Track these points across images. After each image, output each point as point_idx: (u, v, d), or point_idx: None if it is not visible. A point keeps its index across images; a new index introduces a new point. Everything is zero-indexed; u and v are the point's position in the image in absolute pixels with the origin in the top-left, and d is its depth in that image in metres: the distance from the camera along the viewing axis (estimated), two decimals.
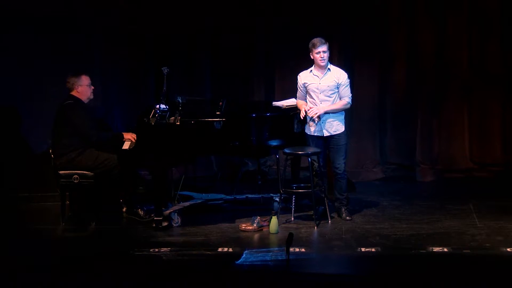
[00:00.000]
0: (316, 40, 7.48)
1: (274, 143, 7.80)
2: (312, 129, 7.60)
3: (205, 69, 9.62)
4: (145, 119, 7.57)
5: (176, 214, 7.51)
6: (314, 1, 9.41)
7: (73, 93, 7.71)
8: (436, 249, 6.64)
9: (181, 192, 7.92)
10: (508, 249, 6.59)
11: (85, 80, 7.73)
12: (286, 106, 8.02)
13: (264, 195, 8.11)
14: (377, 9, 9.49)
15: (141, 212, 7.78)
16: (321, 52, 7.46)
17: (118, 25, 9.02)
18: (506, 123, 9.47)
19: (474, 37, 9.44)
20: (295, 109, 7.83)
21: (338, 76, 7.56)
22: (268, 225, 7.29)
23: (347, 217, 7.65)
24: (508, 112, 9.45)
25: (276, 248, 6.73)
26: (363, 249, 6.70)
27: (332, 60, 7.81)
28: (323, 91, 7.55)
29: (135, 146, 7.51)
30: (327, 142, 7.61)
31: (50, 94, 8.41)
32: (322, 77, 7.56)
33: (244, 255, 6.51)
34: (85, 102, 7.75)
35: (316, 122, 7.54)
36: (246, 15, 9.46)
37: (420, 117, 9.55)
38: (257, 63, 9.69)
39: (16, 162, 8.64)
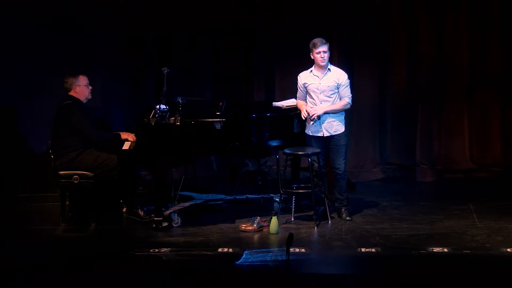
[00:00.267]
0: (316, 40, 7.48)
1: (274, 143, 7.81)
2: (312, 129, 7.60)
3: (205, 69, 9.63)
4: (145, 119, 7.57)
5: (176, 214, 7.51)
6: (314, 1, 9.41)
7: (71, 93, 7.72)
8: (436, 249, 6.64)
9: (181, 193, 7.92)
10: (508, 249, 6.58)
11: (82, 80, 7.74)
12: (286, 106, 8.03)
13: (264, 196, 8.11)
14: (377, 9, 9.50)
15: (141, 213, 7.77)
16: (321, 52, 7.46)
17: (118, 25, 9.02)
18: (506, 123, 9.47)
19: (474, 37, 9.45)
20: (295, 110, 7.83)
21: (338, 76, 7.56)
22: (268, 226, 7.29)
23: (347, 218, 7.65)
24: (508, 112, 9.46)
25: (276, 249, 6.72)
26: (363, 249, 6.70)
27: (332, 60, 7.81)
28: (323, 91, 7.55)
29: (135, 146, 7.51)
30: (327, 142, 7.61)
31: (50, 94, 8.40)
32: (322, 77, 7.56)
33: (244, 256, 6.51)
34: (84, 102, 7.75)
35: (316, 122, 7.54)
36: (246, 15, 9.47)
37: (420, 117, 9.56)
38: (257, 63, 9.70)
39: (16, 162, 8.64)
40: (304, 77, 7.63)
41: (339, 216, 7.71)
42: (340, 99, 7.57)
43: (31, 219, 7.95)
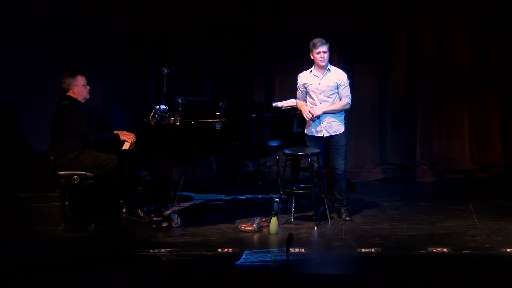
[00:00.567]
0: (316, 40, 7.48)
1: (274, 143, 7.81)
2: (312, 129, 7.60)
3: (205, 69, 9.63)
4: (145, 119, 7.57)
5: (176, 214, 7.50)
6: (314, 1, 9.41)
7: (70, 93, 7.71)
8: (436, 249, 6.64)
9: (181, 193, 7.91)
10: (508, 249, 6.58)
11: (80, 80, 7.73)
12: (286, 106, 8.03)
13: (264, 196, 8.10)
14: (377, 9, 9.50)
15: (141, 213, 7.77)
16: (321, 52, 7.46)
17: (118, 25, 9.02)
18: (506, 123, 9.47)
19: (474, 37, 9.45)
20: (295, 110, 7.83)
21: (338, 76, 7.56)
22: (268, 226, 7.29)
23: (347, 218, 7.65)
24: (508, 112, 9.46)
25: (276, 249, 6.72)
26: (363, 250, 6.70)
27: (332, 60, 7.81)
28: (323, 91, 7.55)
29: (135, 146, 7.51)
30: (327, 142, 7.61)
31: (50, 94, 8.39)
32: (322, 77, 7.55)
33: (244, 256, 6.51)
34: (82, 102, 7.75)
35: (315, 122, 7.54)
36: (246, 15, 9.47)
37: (420, 117, 9.55)
38: (257, 63, 9.70)
39: (16, 162, 8.64)
40: (304, 77, 7.63)
41: (339, 216, 7.71)
42: (340, 99, 7.57)
43: (31, 219, 7.94)
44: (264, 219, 7.38)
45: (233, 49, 9.51)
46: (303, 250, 6.70)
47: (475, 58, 9.48)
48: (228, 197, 8.18)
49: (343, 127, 7.61)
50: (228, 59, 9.50)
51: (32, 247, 6.93)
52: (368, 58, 9.63)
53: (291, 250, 6.19)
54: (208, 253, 6.66)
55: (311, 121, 7.56)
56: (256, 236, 7.22)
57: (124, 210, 7.90)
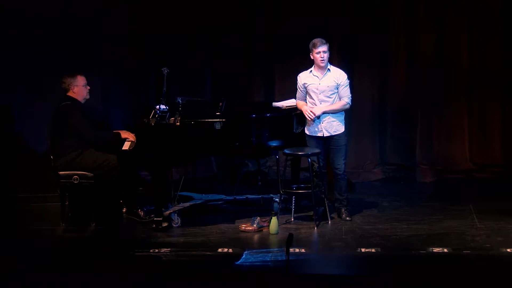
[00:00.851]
0: (316, 40, 7.48)
1: (274, 143, 7.80)
2: (312, 129, 7.60)
3: (205, 69, 9.61)
4: (145, 119, 7.57)
5: (176, 214, 7.51)
6: (314, 1, 9.40)
7: (70, 93, 7.71)
8: (436, 249, 6.64)
9: (181, 193, 7.92)
10: (508, 250, 6.59)
11: (80, 80, 7.73)
12: (286, 106, 8.02)
13: (264, 196, 8.10)
14: (377, 9, 9.49)
15: (141, 213, 7.77)
16: (321, 52, 7.46)
17: (118, 25, 9.01)
18: (506, 123, 9.46)
19: (474, 37, 9.43)
20: (295, 110, 7.83)
21: (338, 76, 7.56)
22: (268, 226, 7.29)
23: (347, 218, 7.65)
24: (508, 112, 9.45)
25: (276, 249, 6.73)
26: (363, 250, 6.70)
27: (332, 60, 7.81)
28: (322, 91, 7.55)
29: (135, 146, 7.51)
30: (327, 142, 7.61)
31: (50, 94, 8.39)
32: (322, 77, 7.55)
33: (244, 256, 6.51)
34: (82, 102, 7.74)
35: (315, 122, 7.53)
36: (246, 15, 9.46)
37: (420, 117, 9.54)
38: (257, 63, 9.69)
39: (16, 162, 8.64)
40: (304, 77, 7.63)
41: (339, 216, 7.71)
42: (340, 99, 7.57)
43: (31, 219, 7.95)
44: (264, 219, 7.38)
45: (233, 49, 9.50)
46: (303, 250, 6.70)
47: (475, 58, 9.47)
48: (228, 197, 8.18)
49: (343, 127, 7.61)
50: (228, 59, 9.49)
51: (32, 247, 6.93)
52: (368, 58, 9.61)
53: (291, 250, 6.18)
54: (208, 253, 6.67)
55: (312, 121, 7.56)
56: (256, 236, 7.22)
57: (124, 210, 7.90)
